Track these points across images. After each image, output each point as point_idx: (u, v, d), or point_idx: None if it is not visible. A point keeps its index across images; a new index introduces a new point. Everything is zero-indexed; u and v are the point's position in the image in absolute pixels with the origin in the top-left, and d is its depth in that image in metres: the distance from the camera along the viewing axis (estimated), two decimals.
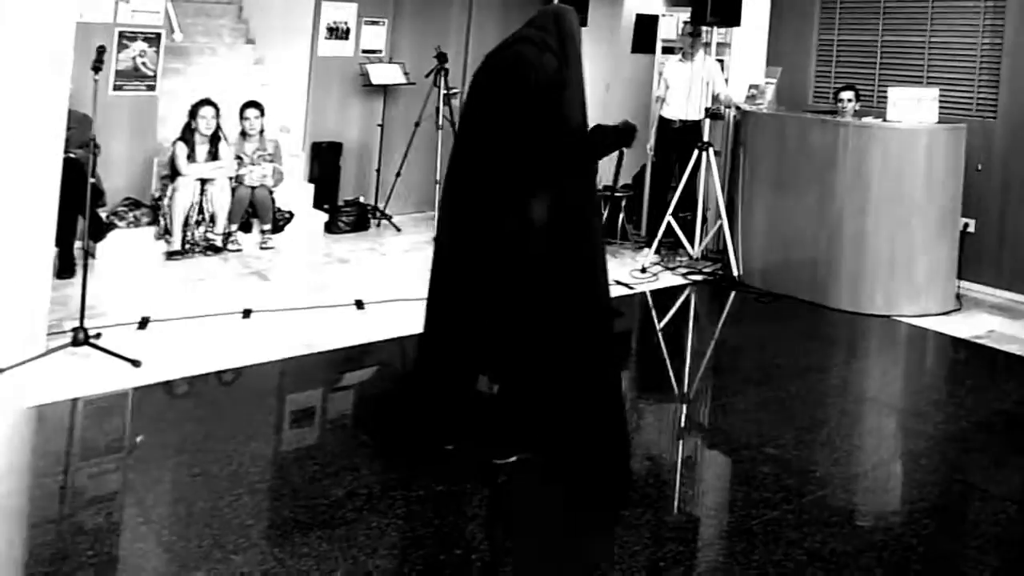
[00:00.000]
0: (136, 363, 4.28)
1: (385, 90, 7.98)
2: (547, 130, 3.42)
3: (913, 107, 6.20)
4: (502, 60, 3.60)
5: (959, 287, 6.33)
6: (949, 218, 6.18)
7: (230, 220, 6.48)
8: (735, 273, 6.63)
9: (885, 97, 6.45)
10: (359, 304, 5.38)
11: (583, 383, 3.43)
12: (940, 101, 6.36)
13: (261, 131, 6.82)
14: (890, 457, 3.93)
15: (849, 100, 6.85)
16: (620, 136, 3.59)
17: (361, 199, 7.66)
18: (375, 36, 8.17)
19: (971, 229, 6.65)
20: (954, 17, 7.08)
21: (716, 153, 7.13)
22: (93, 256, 5.96)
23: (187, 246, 6.26)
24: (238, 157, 6.67)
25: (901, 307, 5.98)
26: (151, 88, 6.71)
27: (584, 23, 9.49)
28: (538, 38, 3.55)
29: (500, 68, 3.59)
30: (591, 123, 3.60)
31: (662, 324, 5.87)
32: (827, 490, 3.52)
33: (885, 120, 6.26)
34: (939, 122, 6.22)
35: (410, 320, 5.19)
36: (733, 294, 6.38)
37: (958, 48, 7.04)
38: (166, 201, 6.29)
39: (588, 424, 3.41)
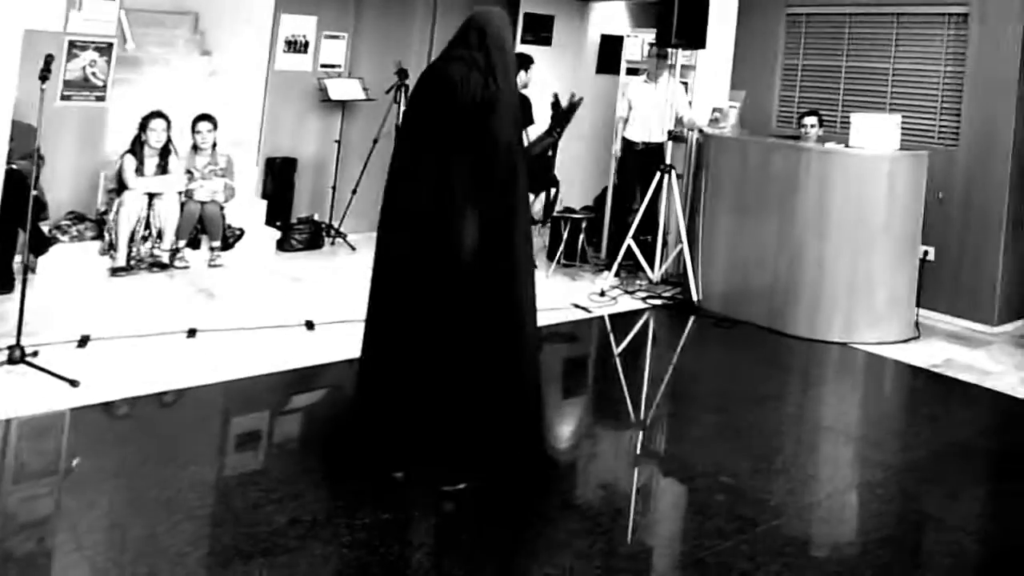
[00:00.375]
0: (74, 383, 4.19)
1: (343, 105, 7.97)
2: (474, 149, 3.50)
3: (876, 133, 6.32)
4: (430, 80, 3.68)
5: (918, 315, 6.45)
6: (909, 245, 6.29)
7: (178, 236, 6.40)
8: (695, 298, 6.68)
9: (848, 123, 6.58)
10: (309, 325, 5.34)
11: (492, 395, 3.52)
12: (902, 128, 6.50)
13: (213, 145, 6.77)
14: (846, 487, 3.97)
15: (812, 125, 6.99)
16: (557, 120, 3.75)
17: (315, 216, 7.61)
18: (334, 50, 8.16)
19: (931, 257, 6.79)
20: (917, 44, 7.26)
21: (678, 176, 7.21)
22: (33, 271, 5.85)
23: (132, 262, 6.16)
24: (188, 171, 6.60)
25: (860, 334, 6.08)
26: (100, 99, 6.63)
27: (548, 42, 9.63)
28: (466, 56, 3.64)
29: (428, 89, 3.67)
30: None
31: (620, 349, 5.90)
32: (781, 520, 3.55)
33: (848, 146, 6.37)
34: (901, 149, 6.36)
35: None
36: (692, 319, 6.44)
37: (921, 75, 7.22)
38: (112, 215, 6.20)
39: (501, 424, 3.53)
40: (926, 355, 5.92)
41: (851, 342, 6.02)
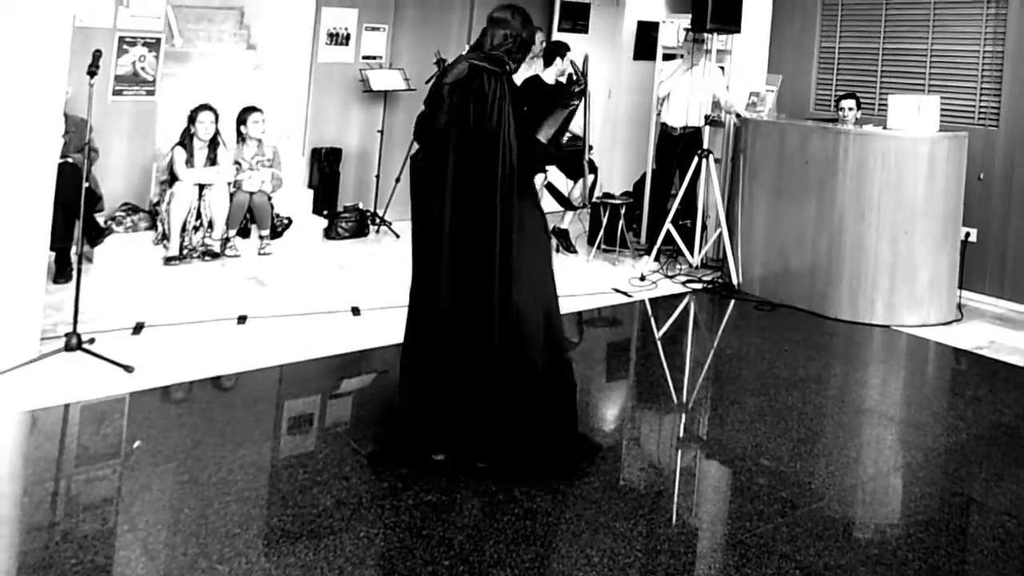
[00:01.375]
0: (129, 368, 4.25)
1: (385, 96, 7.97)
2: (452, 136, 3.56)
3: (914, 115, 6.15)
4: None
5: (960, 297, 6.28)
6: (950, 227, 6.13)
7: (228, 226, 6.46)
8: (734, 281, 6.59)
9: (886, 105, 6.41)
10: (355, 310, 5.35)
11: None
12: (942, 109, 6.33)
13: (261, 136, 6.81)
14: (888, 469, 3.88)
15: (850, 108, 6.82)
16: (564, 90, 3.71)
17: (360, 205, 7.64)
18: (375, 42, 8.17)
19: (972, 239, 6.60)
20: (956, 24, 7.04)
21: (716, 161, 7.10)
22: (90, 261, 5.95)
23: (185, 251, 6.24)
24: (237, 162, 6.65)
25: (902, 317, 5.93)
26: (150, 93, 6.70)
27: (585, 30, 9.52)
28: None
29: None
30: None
31: (660, 333, 5.83)
32: (822, 502, 3.48)
33: (886, 128, 6.22)
34: (940, 130, 6.18)
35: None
36: (732, 303, 6.34)
37: (960, 56, 7.01)
38: (164, 206, 6.28)
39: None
40: (969, 337, 5.76)
41: (893, 325, 5.88)
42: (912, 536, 3.28)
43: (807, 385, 4.78)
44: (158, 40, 6.69)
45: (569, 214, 7.48)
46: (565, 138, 7.76)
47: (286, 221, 6.86)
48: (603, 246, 7.42)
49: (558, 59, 7.05)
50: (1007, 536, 3.32)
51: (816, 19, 7.95)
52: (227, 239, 6.46)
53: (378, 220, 7.67)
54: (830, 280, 6.10)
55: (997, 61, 6.76)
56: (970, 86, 6.93)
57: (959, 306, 6.22)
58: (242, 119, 6.79)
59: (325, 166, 7.69)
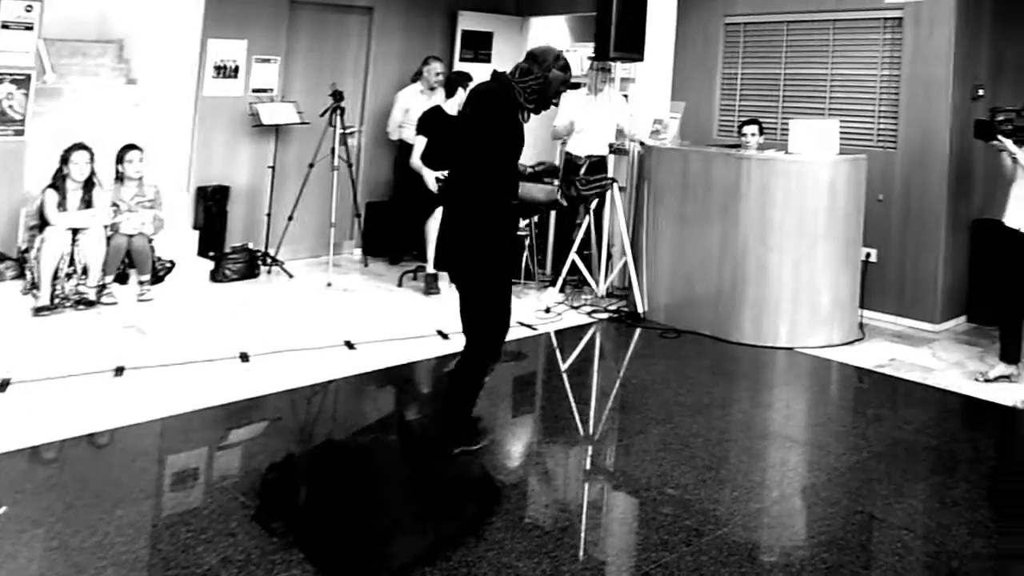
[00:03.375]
0: None
1: (277, 130, 7.94)
2: None
3: (815, 139, 6.46)
4: None
5: (862, 316, 6.59)
6: (851, 248, 6.44)
7: (104, 271, 6.30)
8: (640, 310, 6.76)
9: (788, 130, 6.72)
10: (244, 357, 5.28)
11: None
12: (842, 132, 6.67)
13: (141, 176, 6.69)
14: (791, 492, 4.03)
15: (752, 134, 7.11)
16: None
17: (250, 245, 7.55)
18: (266, 74, 8.14)
19: (873, 259, 6.94)
20: (855, 49, 7.45)
21: (621, 189, 7.30)
22: None
23: (57, 301, 6.05)
24: (115, 204, 6.51)
25: (805, 339, 6.19)
26: (19, 133, 6.53)
27: (488, 59, 9.70)
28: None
29: None
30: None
31: (566, 365, 5.93)
32: (727, 528, 3.59)
33: (788, 153, 6.51)
34: (841, 153, 6.50)
35: (299, 371, 5.14)
36: (638, 331, 6.51)
37: (859, 80, 7.41)
38: (34, 253, 6.09)
39: None
40: (871, 356, 6.04)
41: (797, 347, 6.12)
42: (815, 556, 3.41)
43: (712, 411, 4.93)
44: (28, 76, 6.53)
45: None
46: None
47: (168, 264, 6.73)
48: None
49: (460, 89, 7.18)
50: (905, 551, 3.49)
51: (719, 46, 8.29)
52: (103, 286, 6.29)
53: (269, 260, 7.60)
54: (734, 305, 6.32)
55: (894, 84, 7.18)
56: (869, 109, 7.33)
57: (861, 325, 6.53)
58: (120, 158, 6.67)
59: (212, 205, 7.59)
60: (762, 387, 5.61)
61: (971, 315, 7.06)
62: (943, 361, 5.99)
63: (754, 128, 7.15)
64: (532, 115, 4.14)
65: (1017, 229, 5.41)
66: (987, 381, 5.53)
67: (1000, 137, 5.37)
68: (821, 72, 7.65)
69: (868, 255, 6.87)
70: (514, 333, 6.22)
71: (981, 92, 7.02)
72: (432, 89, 8.30)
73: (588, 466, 4.30)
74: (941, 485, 4.15)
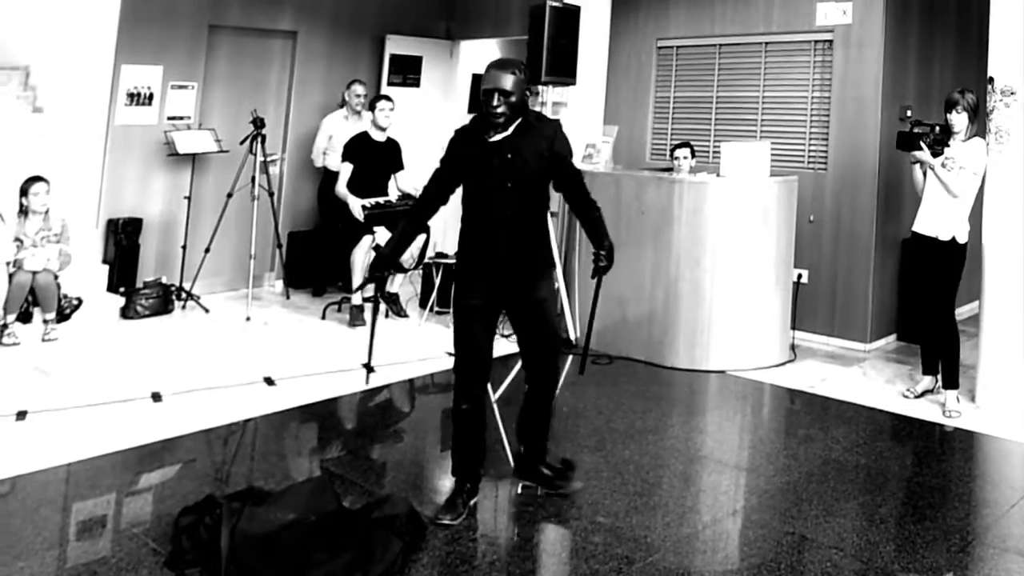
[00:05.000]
0: None
1: (194, 159, 7.87)
2: None
3: (746, 161, 6.66)
4: None
5: (793, 338, 6.77)
6: (783, 270, 6.63)
7: (6, 311, 6.15)
8: (571, 336, 6.83)
9: (720, 152, 6.90)
10: (156, 396, 5.20)
11: None
12: (773, 154, 6.89)
13: (46, 210, 6.56)
14: (723, 515, 4.11)
15: (685, 157, 7.28)
16: None
17: (163, 279, 7.43)
18: (183, 101, 8.08)
19: (804, 280, 7.15)
20: (786, 72, 7.71)
21: (552, 214, 7.38)
22: None
23: None
24: (18, 239, 6.38)
25: (737, 361, 6.33)
26: None
27: (417, 84, 9.77)
28: None
29: None
30: None
31: (496, 395, 5.92)
32: (658, 555, 3.65)
33: (719, 175, 6.69)
34: (772, 175, 6.70)
35: (215, 410, 5.07)
36: (570, 358, 6.57)
37: (790, 102, 7.67)
38: None
39: None
40: (802, 376, 6.21)
41: (729, 370, 6.26)
42: None
43: (644, 437, 5.01)
44: None
45: (400, 276, 7.56)
46: (395, 197, 7.89)
47: (75, 302, 6.60)
48: (436, 308, 7.53)
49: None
50: (835, 570, 3.59)
51: (651, 69, 8.49)
52: (4, 325, 6.14)
53: (184, 295, 7.50)
54: (667, 329, 6.44)
55: (824, 106, 7.44)
56: (800, 131, 7.58)
57: (792, 347, 6.71)
58: (25, 191, 6.53)
59: (122, 238, 7.47)
60: (695, 411, 5.72)
61: (900, 333, 7.32)
62: (873, 380, 6.19)
63: (686, 151, 7.32)
64: None
65: (925, 235, 5.65)
66: (916, 397, 5.75)
67: (922, 145, 5.60)
68: (752, 95, 7.89)
69: (800, 276, 7.07)
70: (438, 364, 6.28)
71: (909, 113, 7.30)
72: (357, 113, 8.33)
73: (517, 497, 4.32)
74: (870, 503, 4.28)
